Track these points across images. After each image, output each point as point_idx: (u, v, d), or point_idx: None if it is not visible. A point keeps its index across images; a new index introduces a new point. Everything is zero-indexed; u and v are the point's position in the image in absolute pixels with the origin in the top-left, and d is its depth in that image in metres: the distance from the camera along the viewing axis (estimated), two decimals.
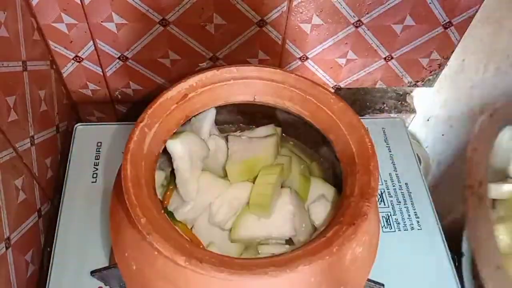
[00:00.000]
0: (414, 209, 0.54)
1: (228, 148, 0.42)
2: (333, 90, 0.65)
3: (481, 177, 0.48)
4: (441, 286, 0.49)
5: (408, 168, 0.58)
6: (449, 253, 0.51)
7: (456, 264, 0.50)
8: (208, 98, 0.40)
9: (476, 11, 0.55)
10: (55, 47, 0.55)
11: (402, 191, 0.56)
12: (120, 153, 0.36)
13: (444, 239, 0.52)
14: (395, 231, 0.53)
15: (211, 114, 0.42)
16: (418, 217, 0.54)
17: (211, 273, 0.29)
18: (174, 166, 0.38)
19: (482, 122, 0.52)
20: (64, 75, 0.59)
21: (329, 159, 0.44)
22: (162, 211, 0.33)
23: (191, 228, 0.40)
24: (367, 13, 0.54)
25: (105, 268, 0.43)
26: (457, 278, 0.49)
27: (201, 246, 0.37)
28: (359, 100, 0.67)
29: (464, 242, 0.49)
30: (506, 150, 0.54)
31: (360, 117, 0.38)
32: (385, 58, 0.60)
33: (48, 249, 0.51)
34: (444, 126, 0.72)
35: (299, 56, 0.59)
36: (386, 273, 0.44)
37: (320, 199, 0.40)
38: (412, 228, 0.53)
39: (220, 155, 0.42)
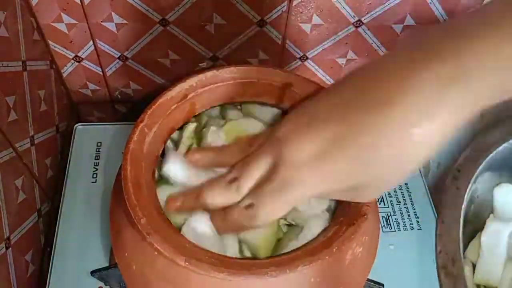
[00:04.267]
0: (414, 209, 0.54)
1: None
2: None
3: (454, 253, 0.45)
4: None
5: None
6: None
7: None
8: (208, 98, 0.40)
9: None
10: (54, 47, 0.55)
11: (402, 191, 0.56)
12: (120, 153, 0.36)
13: None
14: (395, 231, 0.53)
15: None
16: (418, 217, 0.54)
17: (211, 273, 0.29)
18: None
19: (447, 187, 0.50)
20: (64, 75, 0.59)
21: None
22: (162, 211, 0.33)
23: None
24: (367, 13, 0.54)
25: (105, 268, 0.43)
26: None
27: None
28: None
29: None
30: (481, 203, 0.52)
31: None
32: None
33: (48, 249, 0.51)
34: None
35: (299, 56, 0.59)
36: (386, 273, 0.44)
37: None
38: (412, 228, 0.53)
39: None
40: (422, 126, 0.24)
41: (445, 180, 0.52)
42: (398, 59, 0.26)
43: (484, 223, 0.51)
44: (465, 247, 0.50)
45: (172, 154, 0.36)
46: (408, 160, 0.26)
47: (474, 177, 0.50)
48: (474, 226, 0.52)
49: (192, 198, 0.33)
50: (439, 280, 0.47)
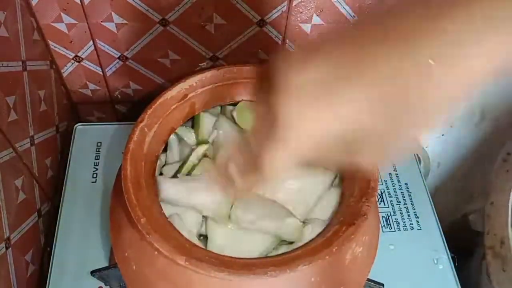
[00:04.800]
0: (414, 209, 0.54)
1: None
2: None
3: (502, 235, 0.45)
4: (441, 286, 0.49)
5: (408, 168, 0.58)
6: (449, 253, 0.51)
7: (456, 264, 0.50)
8: (208, 98, 0.40)
9: None
10: (55, 47, 0.55)
11: (402, 191, 0.56)
12: (120, 153, 0.36)
13: (444, 239, 0.52)
14: (395, 231, 0.53)
15: None
16: (418, 217, 0.54)
17: (211, 273, 0.29)
18: None
19: (496, 171, 0.50)
20: (64, 75, 0.59)
21: None
22: (162, 211, 0.33)
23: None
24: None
25: (105, 268, 0.43)
26: (457, 278, 0.49)
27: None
28: None
29: None
30: None
31: None
32: None
33: (48, 249, 0.51)
34: (444, 126, 0.72)
35: None
36: (386, 273, 0.44)
37: None
38: (412, 228, 0.53)
39: None
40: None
41: (493, 163, 0.51)
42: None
43: None
44: None
45: (162, 180, 0.37)
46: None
47: None
48: None
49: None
50: (486, 260, 0.46)
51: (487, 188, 0.51)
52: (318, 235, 0.33)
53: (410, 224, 0.53)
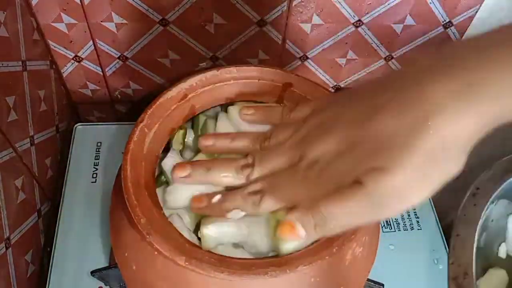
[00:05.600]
0: (414, 209, 0.54)
1: None
2: (333, 90, 0.65)
3: (466, 266, 0.46)
4: (441, 286, 0.49)
5: None
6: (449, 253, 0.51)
7: None
8: (208, 98, 0.40)
9: (476, 11, 0.55)
10: (54, 47, 0.55)
11: None
12: (120, 153, 0.36)
13: (444, 239, 0.52)
14: (395, 231, 0.53)
15: None
16: (418, 217, 0.54)
17: (211, 273, 0.29)
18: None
19: (465, 203, 0.51)
20: (64, 75, 0.59)
21: None
22: (162, 211, 0.33)
23: None
24: (367, 13, 0.54)
25: (105, 268, 0.43)
26: None
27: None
28: None
29: None
30: (494, 230, 0.52)
31: None
32: (385, 58, 0.60)
33: (48, 249, 0.51)
34: None
35: (299, 56, 0.59)
36: (386, 273, 0.44)
37: None
38: (412, 228, 0.53)
39: None
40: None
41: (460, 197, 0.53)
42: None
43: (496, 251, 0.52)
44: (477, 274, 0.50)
45: (172, 150, 0.37)
46: None
47: (492, 197, 0.51)
48: (486, 253, 0.52)
49: (202, 172, 0.33)
50: None
51: (454, 220, 0.52)
52: None
53: (410, 224, 0.53)
